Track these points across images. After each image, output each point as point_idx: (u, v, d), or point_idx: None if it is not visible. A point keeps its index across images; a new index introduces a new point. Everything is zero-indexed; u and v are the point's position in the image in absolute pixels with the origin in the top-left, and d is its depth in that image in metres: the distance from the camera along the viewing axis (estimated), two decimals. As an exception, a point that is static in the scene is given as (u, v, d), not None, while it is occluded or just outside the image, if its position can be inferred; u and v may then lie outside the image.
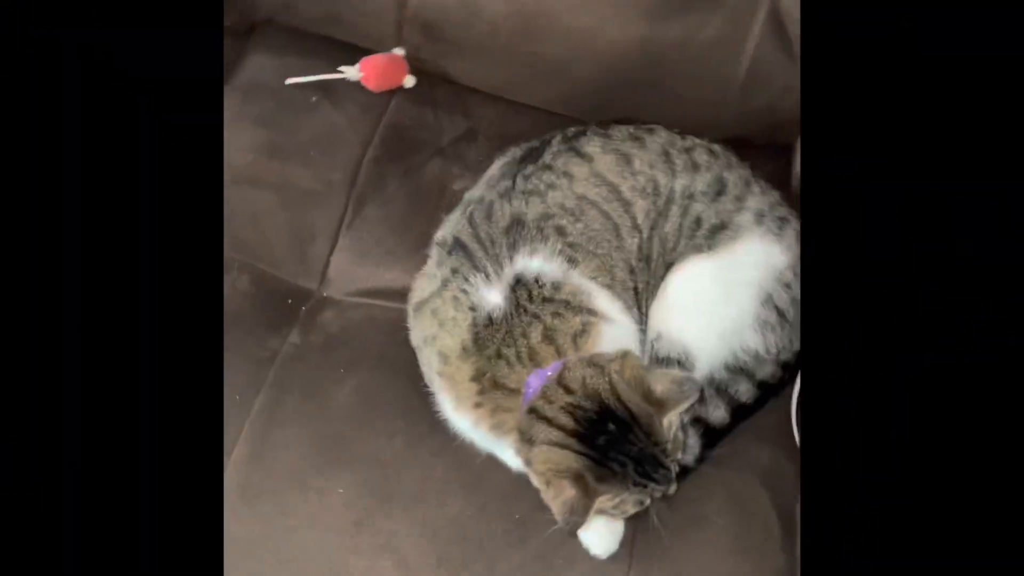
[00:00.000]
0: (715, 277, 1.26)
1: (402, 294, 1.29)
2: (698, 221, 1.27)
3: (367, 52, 1.57)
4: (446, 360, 1.17)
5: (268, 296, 1.37)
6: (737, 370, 1.29)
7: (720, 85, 1.48)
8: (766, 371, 1.31)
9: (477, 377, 1.15)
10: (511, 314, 1.16)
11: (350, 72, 1.55)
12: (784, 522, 1.22)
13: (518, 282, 1.18)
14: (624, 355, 1.13)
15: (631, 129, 1.34)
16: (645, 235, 1.26)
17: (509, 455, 1.17)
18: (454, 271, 1.21)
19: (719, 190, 1.30)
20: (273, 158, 1.47)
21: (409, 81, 1.58)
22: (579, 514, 1.05)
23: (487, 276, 1.19)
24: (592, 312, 1.19)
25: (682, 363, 1.24)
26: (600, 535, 1.19)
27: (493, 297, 1.18)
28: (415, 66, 1.59)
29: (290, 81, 1.54)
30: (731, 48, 1.44)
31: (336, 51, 1.58)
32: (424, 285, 1.25)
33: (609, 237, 1.25)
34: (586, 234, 1.24)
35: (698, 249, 1.26)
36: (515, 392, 1.14)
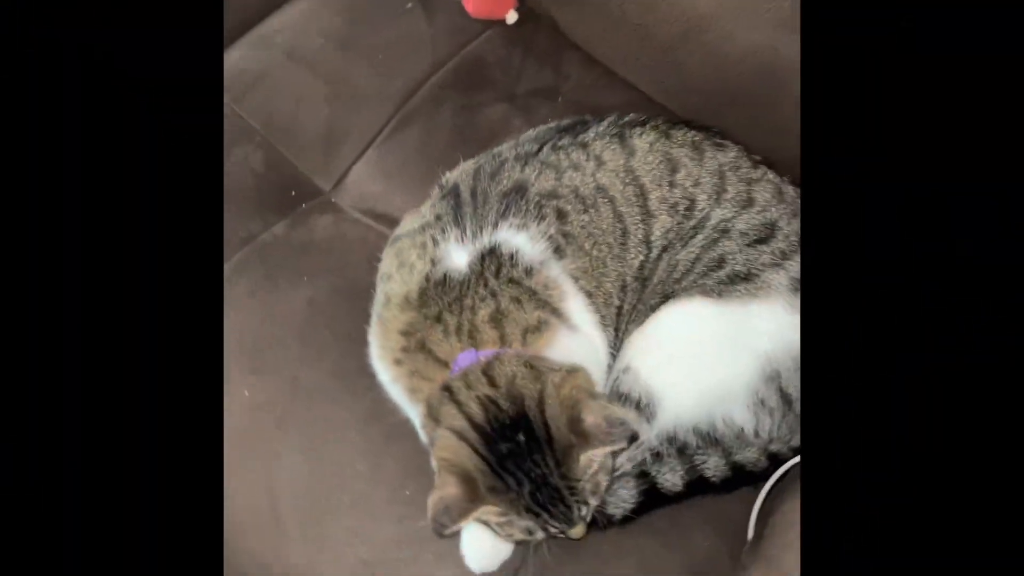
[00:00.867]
0: (716, 328, 1.07)
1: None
2: (721, 262, 1.08)
3: (480, -27, 1.47)
4: (387, 303, 1.07)
5: (274, 181, 1.31)
6: (711, 440, 1.10)
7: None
8: (747, 455, 1.11)
9: (407, 332, 1.04)
10: (469, 282, 1.03)
11: (455, -12, 1.46)
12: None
13: (492, 251, 1.05)
14: (574, 370, 0.98)
15: (696, 136, 1.16)
16: (654, 254, 1.09)
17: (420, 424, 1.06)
18: (438, 217, 1.10)
19: (763, 237, 1.10)
20: (341, 49, 1.41)
21: (512, 17, 1.46)
22: (452, 517, 0.92)
23: (463, 233, 1.07)
24: (556, 313, 1.04)
25: (641, 407, 1.07)
26: (480, 549, 1.06)
27: (459, 257, 1.05)
28: (525, 4, 1.47)
29: (395, -21, 1.46)
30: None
31: (453, -36, 1.48)
32: (408, 221, 1.14)
33: (612, 242, 1.09)
34: (588, 229, 1.08)
35: (706, 292, 1.07)
36: (441, 364, 1.02)
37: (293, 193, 1.31)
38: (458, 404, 0.97)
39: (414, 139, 1.34)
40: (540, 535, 0.98)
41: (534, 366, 0.98)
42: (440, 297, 1.03)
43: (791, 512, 1.02)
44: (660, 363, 1.07)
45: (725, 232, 1.09)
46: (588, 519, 0.99)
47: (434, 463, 0.98)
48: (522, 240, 1.05)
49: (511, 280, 1.04)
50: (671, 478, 1.09)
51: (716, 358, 1.07)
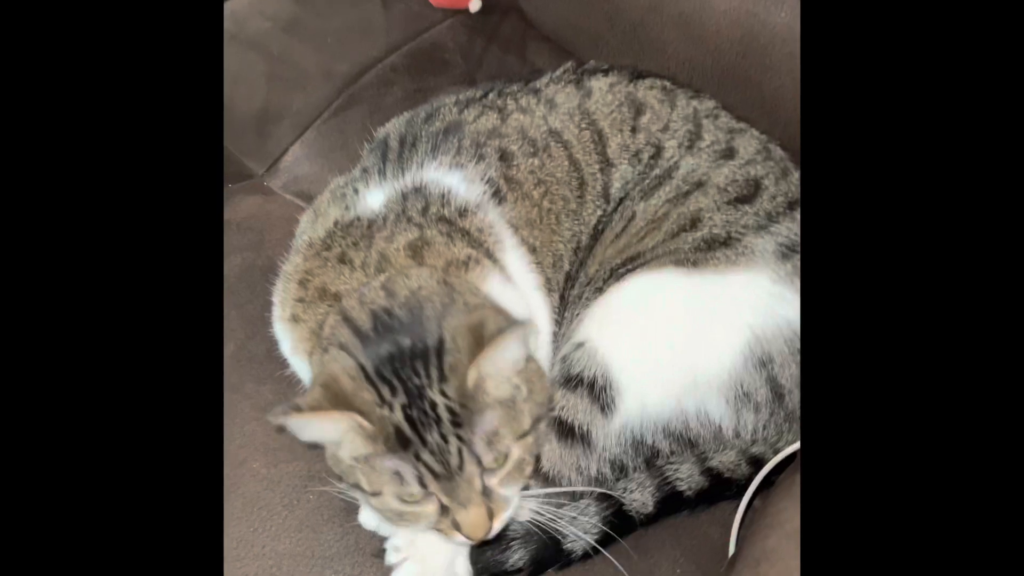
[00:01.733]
0: (690, 300, 0.88)
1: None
2: (695, 221, 0.92)
3: (444, -39, 1.38)
4: (292, 253, 0.91)
5: (199, 158, 1.19)
6: (683, 441, 0.91)
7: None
8: (725, 458, 0.91)
9: (305, 281, 0.86)
10: (385, 219, 0.87)
11: (416, -24, 1.37)
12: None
13: (417, 190, 0.89)
14: (496, 311, 0.78)
15: (670, 84, 1.02)
16: (611, 208, 0.94)
17: None
18: (364, 170, 0.96)
19: (747, 195, 0.93)
20: (287, 32, 1.31)
21: (475, 5, 1.36)
22: (298, 410, 0.71)
23: (382, 176, 0.92)
24: (491, 256, 0.87)
25: (596, 391, 0.87)
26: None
27: (373, 199, 0.90)
28: (489, -10, 1.37)
29: (353, -31, 1.38)
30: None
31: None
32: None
33: (567, 194, 0.93)
34: (538, 175, 0.93)
35: (679, 260, 0.90)
36: None
37: (219, 173, 1.18)
38: (347, 320, 0.78)
39: (356, 120, 1.23)
40: (412, 485, 0.74)
41: (450, 283, 0.79)
42: (345, 237, 0.87)
43: (774, 520, 0.82)
44: (622, 339, 0.88)
45: (699, 185, 0.93)
46: (478, 490, 0.76)
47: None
48: (455, 179, 0.90)
49: (441, 218, 0.87)
50: (639, 497, 0.89)
51: (689, 336, 0.88)
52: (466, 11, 1.37)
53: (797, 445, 0.90)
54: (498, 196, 0.90)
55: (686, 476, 0.91)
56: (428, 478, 0.74)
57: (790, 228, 0.93)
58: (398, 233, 0.85)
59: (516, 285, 0.88)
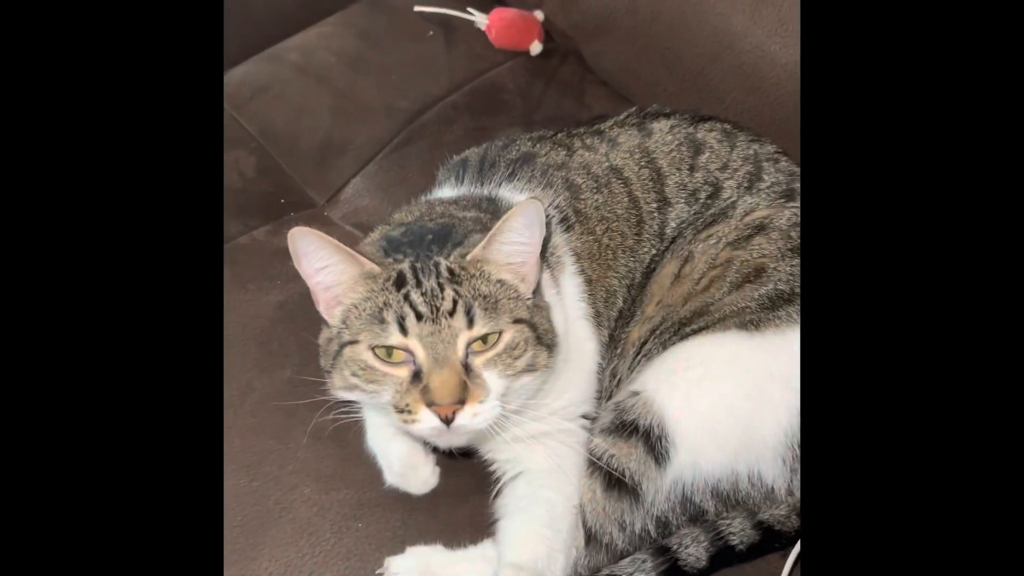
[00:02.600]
0: (750, 364, 0.88)
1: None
2: (759, 272, 0.91)
3: (506, 4, 1.42)
4: None
5: (263, 187, 1.22)
6: (730, 503, 0.90)
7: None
8: (776, 512, 0.90)
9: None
10: (454, 202, 0.94)
11: (478, 18, 1.40)
12: None
13: (489, 200, 0.93)
14: None
15: (730, 126, 1.03)
16: (663, 246, 0.95)
17: None
18: (439, 184, 1.02)
19: None
20: (352, 67, 1.34)
21: (536, 48, 1.39)
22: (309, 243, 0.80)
23: (458, 182, 0.98)
24: (550, 269, 0.89)
25: (652, 441, 0.87)
26: (400, 463, 0.92)
27: (444, 194, 0.97)
28: (549, 34, 1.41)
29: (418, 8, 1.42)
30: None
31: (480, -6, 1.45)
32: None
33: (625, 230, 0.95)
34: (601, 212, 0.95)
35: (742, 322, 0.89)
36: None
37: (282, 200, 1.21)
38: (390, 223, 0.91)
39: (416, 156, 1.25)
40: (391, 327, 0.77)
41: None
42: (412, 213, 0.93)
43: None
44: (681, 394, 0.88)
45: (761, 229, 0.93)
46: (461, 349, 0.78)
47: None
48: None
49: None
50: (694, 552, 0.89)
51: (748, 398, 0.88)
52: (526, 53, 1.40)
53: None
54: (565, 223, 0.93)
55: (738, 531, 0.90)
56: (411, 319, 0.77)
57: None
58: (466, 210, 0.90)
59: (567, 308, 0.89)
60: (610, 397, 0.94)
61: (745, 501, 0.90)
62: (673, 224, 0.95)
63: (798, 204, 0.96)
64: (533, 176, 0.94)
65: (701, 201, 0.96)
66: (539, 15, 1.40)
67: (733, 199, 0.95)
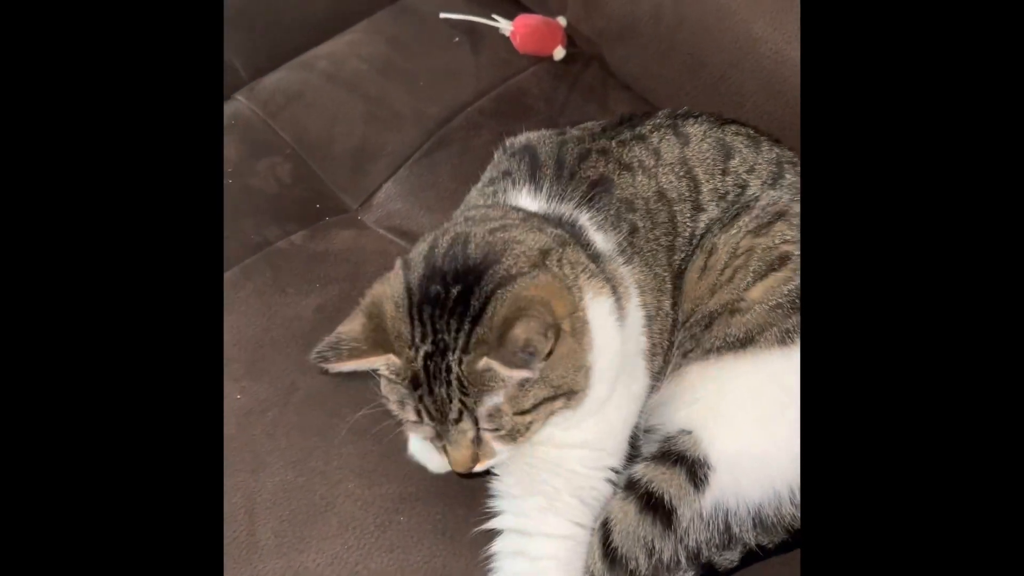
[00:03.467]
0: (790, 383, 0.87)
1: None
2: (783, 260, 0.93)
3: (530, 10, 1.45)
4: None
5: (299, 192, 1.26)
6: (773, 531, 0.92)
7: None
8: None
9: None
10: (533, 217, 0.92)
11: (503, 24, 1.44)
12: None
13: (573, 225, 0.93)
14: (564, 285, 0.84)
15: (752, 131, 1.06)
16: (692, 248, 0.98)
17: None
18: (505, 173, 1.00)
19: None
20: (382, 74, 1.38)
21: (559, 53, 1.42)
22: (338, 354, 0.83)
23: (538, 191, 0.96)
24: (617, 298, 0.90)
25: (694, 467, 0.89)
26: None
27: (525, 202, 0.96)
28: (572, 40, 1.44)
29: (444, 16, 1.45)
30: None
31: (504, 1, 1.47)
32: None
33: (666, 253, 0.97)
34: (652, 244, 0.97)
35: (780, 336, 0.91)
36: None
37: (318, 206, 1.25)
38: (432, 241, 0.88)
39: (447, 161, 1.29)
40: (410, 413, 0.83)
41: (539, 263, 0.84)
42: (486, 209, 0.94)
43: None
44: (729, 427, 0.91)
45: (781, 215, 0.96)
46: (468, 441, 0.83)
47: None
48: (599, 237, 0.94)
49: (587, 251, 0.91)
50: (729, 556, 0.93)
51: (786, 416, 0.87)
52: (550, 59, 1.43)
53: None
54: (625, 256, 0.94)
55: (767, 539, 0.93)
56: (427, 417, 0.82)
57: None
58: (540, 231, 0.89)
59: (626, 334, 0.90)
60: None
61: (791, 525, 0.91)
62: (703, 225, 0.98)
63: None
64: (608, 215, 0.95)
65: (729, 200, 0.99)
66: (562, 21, 1.44)
67: (757, 195, 0.99)
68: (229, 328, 1.07)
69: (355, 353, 0.82)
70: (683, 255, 0.98)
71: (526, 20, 1.43)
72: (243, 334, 1.08)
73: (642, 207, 0.98)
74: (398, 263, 0.88)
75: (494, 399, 0.81)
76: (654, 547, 0.89)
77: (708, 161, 1.01)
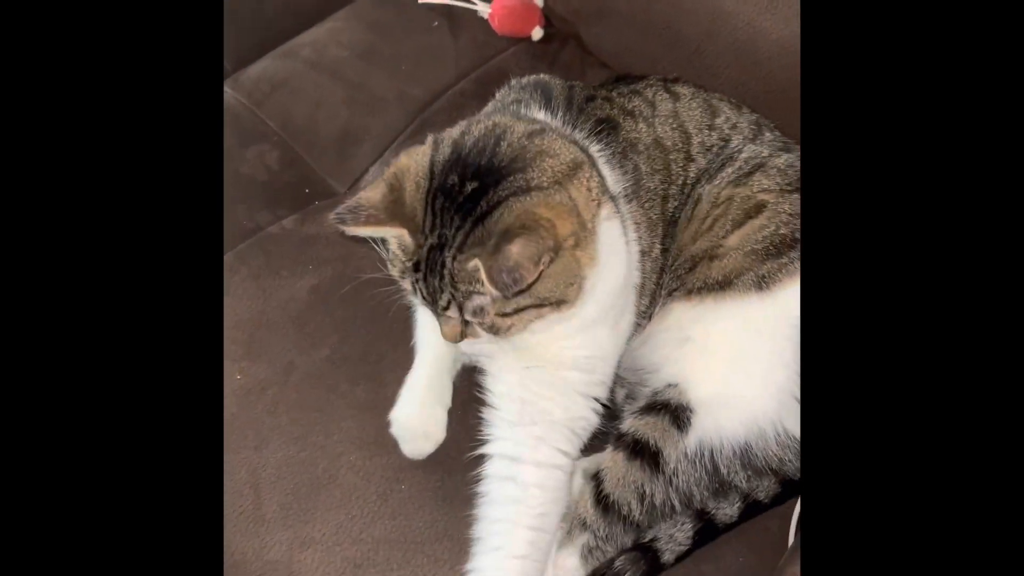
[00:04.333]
0: (764, 328, 0.95)
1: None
2: (759, 208, 0.98)
3: (508, -8, 1.47)
4: None
5: (288, 178, 1.29)
6: (762, 471, 0.96)
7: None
8: (795, 466, 0.97)
9: None
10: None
11: (481, 7, 1.46)
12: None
13: (586, 152, 0.95)
14: (578, 205, 0.86)
15: (734, 101, 1.12)
16: (684, 197, 1.03)
17: None
18: (516, 100, 1.03)
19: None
20: (364, 60, 1.40)
21: (537, 33, 1.45)
22: (356, 219, 0.86)
23: (553, 115, 0.99)
24: (623, 220, 0.93)
25: (677, 411, 0.94)
26: (410, 428, 1.00)
27: (540, 116, 0.98)
28: (549, 20, 1.47)
29: (423, 0, 1.47)
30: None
31: (480, -14, 1.50)
32: None
33: (660, 200, 1.02)
34: (652, 191, 1.01)
35: (757, 280, 0.95)
36: None
37: (307, 191, 1.28)
38: (467, 127, 0.91)
39: (432, 142, 1.31)
40: (408, 286, 0.89)
41: (559, 178, 0.86)
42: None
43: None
44: (709, 374, 0.95)
45: (760, 167, 1.01)
46: (456, 322, 0.88)
47: None
48: (607, 172, 0.98)
49: (598, 175, 0.93)
50: (728, 510, 0.97)
51: (765, 355, 0.94)
52: (529, 39, 1.46)
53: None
54: (628, 198, 0.99)
55: (765, 486, 0.98)
56: (421, 297, 0.87)
57: None
58: (575, 145, 0.92)
59: (628, 267, 0.94)
60: None
61: (778, 469, 0.96)
62: (693, 175, 1.03)
63: (793, 155, 1.04)
64: (615, 152, 0.99)
65: (714, 152, 1.04)
66: (539, 2, 1.46)
67: (739, 147, 1.04)
68: (226, 312, 1.10)
69: (372, 220, 0.86)
70: (676, 203, 1.02)
71: (504, 2, 1.45)
72: (240, 317, 1.11)
73: (644, 151, 1.02)
74: (429, 139, 0.91)
75: (480, 299, 0.84)
76: (645, 491, 0.92)
77: (697, 117, 1.06)
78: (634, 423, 0.95)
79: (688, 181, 1.03)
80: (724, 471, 0.94)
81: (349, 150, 1.32)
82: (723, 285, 0.96)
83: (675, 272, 1.00)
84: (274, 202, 1.25)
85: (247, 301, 1.13)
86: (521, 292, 0.82)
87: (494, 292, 0.81)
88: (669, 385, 0.96)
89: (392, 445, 1.02)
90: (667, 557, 0.94)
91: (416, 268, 0.86)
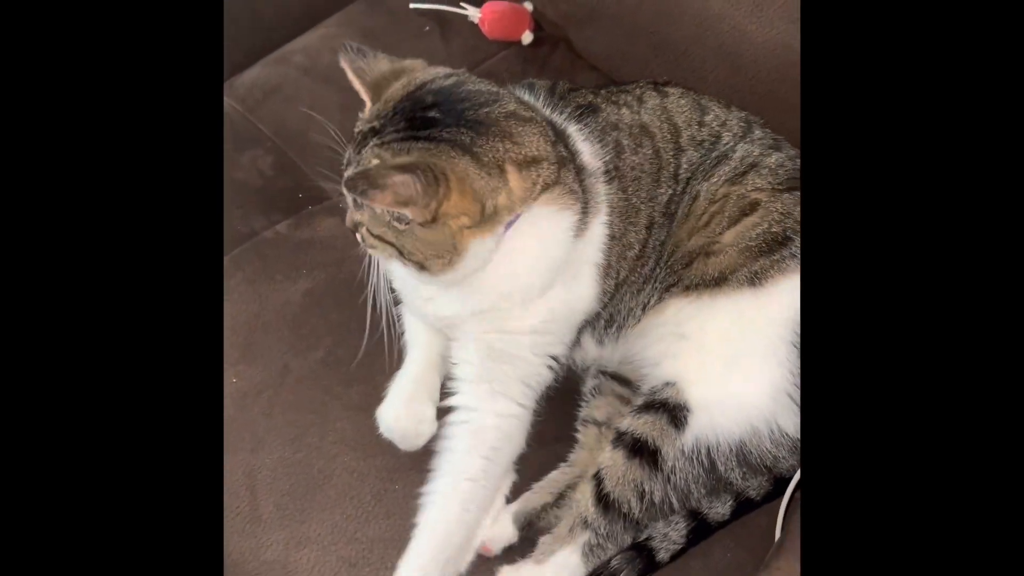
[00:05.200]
0: (759, 325, 0.97)
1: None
2: (753, 206, 1.01)
3: (498, -2, 1.49)
4: None
5: (282, 183, 1.30)
6: (758, 468, 0.98)
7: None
8: (789, 463, 0.99)
9: None
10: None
11: (471, 12, 1.48)
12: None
13: (561, 133, 0.99)
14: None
15: (723, 102, 1.14)
16: (680, 188, 1.04)
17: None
18: None
19: (794, 186, 1.02)
20: (357, 65, 1.41)
21: (527, 38, 1.47)
22: (364, 61, 0.99)
23: (535, 96, 1.05)
24: (586, 206, 0.96)
25: (674, 410, 0.96)
26: (397, 416, 1.04)
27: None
28: (539, 24, 1.48)
29: (414, 5, 1.49)
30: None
31: (471, -10, 1.52)
32: None
33: (648, 181, 1.04)
34: (635, 172, 1.03)
35: (750, 277, 0.97)
36: None
37: (300, 195, 1.29)
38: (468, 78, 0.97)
39: (424, 146, 1.33)
40: (344, 155, 0.95)
41: (525, 161, 0.91)
42: None
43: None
44: (704, 371, 0.97)
45: (753, 166, 1.04)
46: (352, 211, 0.94)
47: None
48: (586, 148, 1.01)
49: (568, 156, 0.97)
50: (720, 509, 0.99)
51: (758, 352, 0.96)
52: (519, 43, 1.47)
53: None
54: (608, 176, 1.01)
55: (757, 484, 1.00)
56: (343, 167, 0.94)
57: None
58: (549, 143, 0.94)
59: (583, 244, 0.97)
60: (617, 327, 1.05)
61: (772, 465, 0.98)
62: (685, 166, 1.05)
63: (783, 154, 1.07)
64: (594, 130, 1.03)
65: (705, 147, 1.06)
66: (529, 6, 1.48)
67: (731, 144, 1.06)
68: (227, 317, 1.11)
69: (359, 73, 0.97)
70: (670, 192, 1.04)
71: (494, 7, 1.47)
72: (236, 321, 1.13)
73: (626, 129, 1.05)
74: (443, 68, 0.97)
75: (365, 200, 0.89)
76: (644, 489, 0.95)
77: (686, 113, 1.09)
78: (632, 422, 0.97)
79: (680, 172, 1.05)
80: (721, 468, 0.96)
81: (341, 155, 1.33)
82: (718, 281, 0.99)
83: (672, 267, 1.02)
84: (268, 207, 1.26)
85: (243, 305, 1.15)
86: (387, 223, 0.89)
87: (367, 199, 0.87)
88: (667, 384, 0.98)
89: (386, 446, 1.03)
90: (662, 556, 0.96)
91: (353, 139, 0.93)
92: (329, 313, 1.14)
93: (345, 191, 0.89)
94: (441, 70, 0.96)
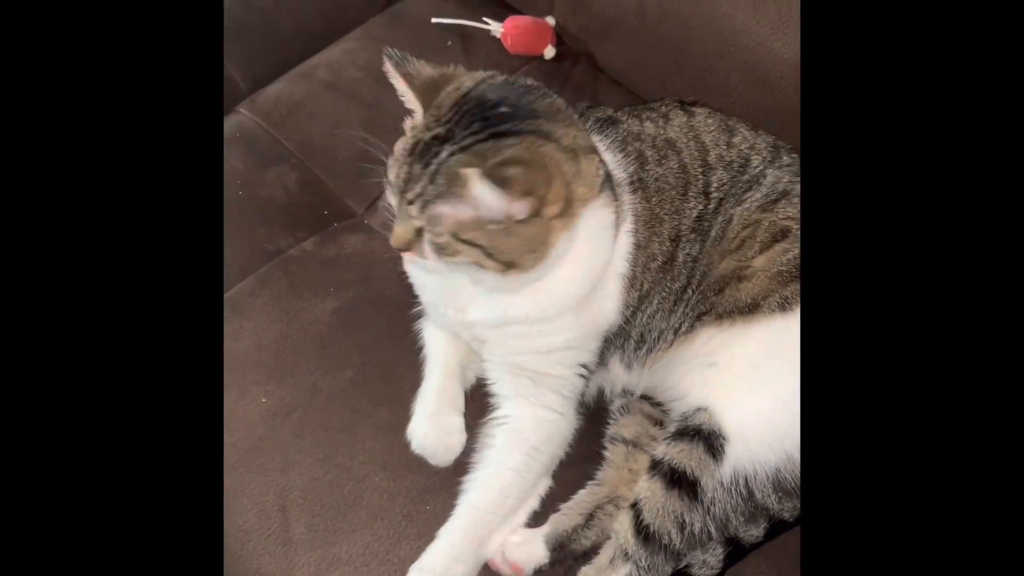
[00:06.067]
0: (792, 347, 0.89)
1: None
2: (785, 232, 1.01)
3: (519, 12, 1.49)
4: None
5: (307, 200, 1.30)
6: (789, 490, 0.97)
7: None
8: None
9: None
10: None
11: (494, 26, 1.48)
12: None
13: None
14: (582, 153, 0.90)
15: (749, 124, 1.14)
16: (712, 206, 1.04)
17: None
18: None
19: None
20: (379, 80, 1.40)
21: (549, 52, 1.47)
22: (410, 65, 0.96)
23: None
24: (617, 209, 0.97)
25: (710, 438, 0.95)
26: (426, 432, 1.04)
27: None
28: (561, 39, 1.48)
29: (436, 20, 1.49)
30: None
31: (493, 4, 1.52)
32: None
33: (674, 195, 1.04)
34: (659, 183, 1.04)
35: (780, 302, 0.97)
36: None
37: (326, 212, 1.30)
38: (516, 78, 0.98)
39: (448, 162, 1.33)
40: (391, 174, 0.93)
41: (586, 149, 0.92)
42: None
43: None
44: (740, 398, 0.97)
45: (785, 194, 1.04)
46: (411, 225, 0.89)
47: None
48: (608, 158, 1.01)
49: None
50: (755, 532, 1.00)
51: (790, 378, 0.91)
52: (541, 57, 1.47)
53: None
54: (632, 186, 1.01)
55: (791, 507, 1.00)
56: (395, 184, 0.91)
57: None
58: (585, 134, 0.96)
59: (615, 248, 0.98)
60: (647, 349, 1.05)
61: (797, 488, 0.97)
62: (715, 184, 1.05)
63: None
64: (616, 140, 1.04)
65: (735, 168, 1.06)
66: (551, 20, 1.48)
67: (761, 168, 1.07)
68: (250, 334, 1.12)
69: (407, 79, 0.93)
70: (700, 207, 1.04)
71: (516, 21, 1.47)
72: (263, 340, 1.13)
73: (649, 141, 1.06)
74: (483, 73, 0.96)
75: (446, 207, 0.86)
76: (684, 520, 0.94)
77: (713, 132, 1.09)
78: (668, 450, 0.96)
79: (711, 190, 1.05)
80: (759, 496, 0.96)
81: (367, 171, 1.33)
82: (751, 308, 0.98)
83: (704, 293, 1.02)
84: (293, 224, 1.27)
85: (270, 324, 1.15)
86: (481, 227, 0.86)
87: (466, 206, 0.85)
88: (699, 409, 0.97)
89: (416, 465, 1.04)
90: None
91: (411, 151, 0.89)
92: (357, 332, 1.14)
93: (431, 203, 0.86)
94: (484, 73, 0.96)
